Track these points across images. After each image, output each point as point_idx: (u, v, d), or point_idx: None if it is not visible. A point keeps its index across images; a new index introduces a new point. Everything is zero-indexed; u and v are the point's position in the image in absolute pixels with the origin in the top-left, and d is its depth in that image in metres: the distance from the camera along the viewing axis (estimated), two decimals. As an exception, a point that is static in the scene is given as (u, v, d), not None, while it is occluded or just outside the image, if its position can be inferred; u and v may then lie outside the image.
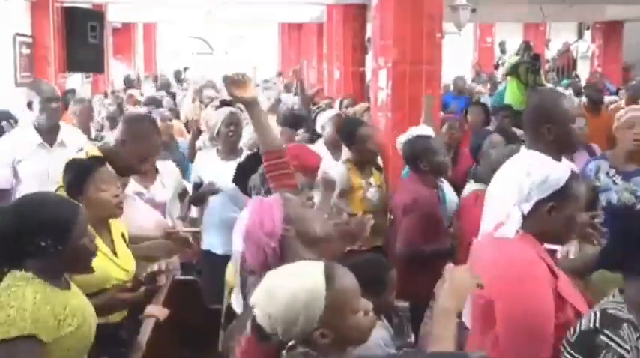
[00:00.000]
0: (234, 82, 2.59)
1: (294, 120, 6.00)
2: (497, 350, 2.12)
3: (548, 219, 2.17)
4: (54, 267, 2.11)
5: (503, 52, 15.32)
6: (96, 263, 2.61)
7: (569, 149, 2.65)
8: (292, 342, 1.67)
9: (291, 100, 7.92)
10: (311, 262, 1.80)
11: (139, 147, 3.34)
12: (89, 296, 2.56)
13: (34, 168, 4.08)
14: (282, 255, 2.12)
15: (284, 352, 1.69)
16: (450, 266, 2.01)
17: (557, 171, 2.21)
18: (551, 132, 2.71)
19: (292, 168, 2.63)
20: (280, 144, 2.65)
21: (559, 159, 2.73)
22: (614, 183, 3.69)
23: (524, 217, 2.19)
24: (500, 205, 2.34)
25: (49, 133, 4.19)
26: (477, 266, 2.29)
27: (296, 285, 1.69)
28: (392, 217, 4.28)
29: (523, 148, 2.85)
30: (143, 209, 3.63)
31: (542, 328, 2.08)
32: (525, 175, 2.20)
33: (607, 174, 3.72)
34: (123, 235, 2.96)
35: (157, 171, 3.91)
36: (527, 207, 2.18)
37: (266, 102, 8.70)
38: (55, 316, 2.01)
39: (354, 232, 2.76)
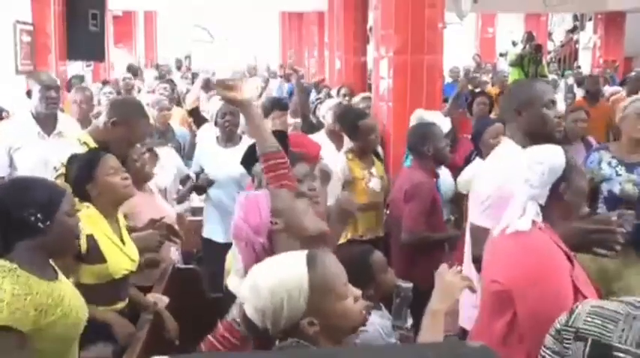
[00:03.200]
0: (226, 86, 2.58)
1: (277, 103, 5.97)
2: (513, 338, 2.15)
3: (563, 199, 2.21)
4: (41, 250, 2.12)
5: (514, 45, 15.26)
6: (108, 253, 2.66)
7: (547, 136, 2.59)
8: (280, 335, 1.67)
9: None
10: (294, 252, 1.79)
11: (128, 130, 3.33)
12: (101, 286, 2.63)
13: (32, 158, 4.07)
14: (272, 251, 2.07)
15: (277, 343, 1.69)
16: (442, 267, 2.04)
17: (555, 151, 2.26)
18: (524, 118, 2.66)
19: (290, 169, 2.60)
20: (277, 145, 2.61)
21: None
22: (617, 173, 3.66)
23: (541, 207, 2.21)
24: (502, 201, 2.33)
25: (47, 122, 4.17)
26: (493, 261, 2.30)
27: (278, 275, 1.69)
28: (388, 212, 4.28)
29: (505, 139, 2.82)
30: (159, 203, 3.66)
31: None
32: (528, 168, 2.22)
33: (609, 164, 3.69)
34: (126, 226, 2.99)
35: (156, 156, 3.95)
36: (543, 197, 2.21)
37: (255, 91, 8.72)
38: (36, 307, 2.02)
39: (345, 210, 2.79)
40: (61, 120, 4.30)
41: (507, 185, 2.37)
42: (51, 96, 4.15)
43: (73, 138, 3.53)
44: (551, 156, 2.24)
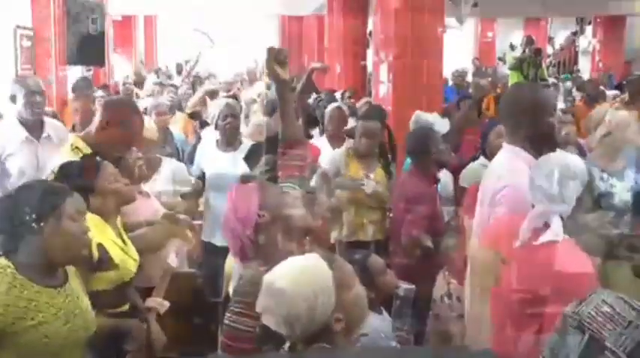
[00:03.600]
0: (277, 59, 2.50)
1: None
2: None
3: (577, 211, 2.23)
4: (40, 252, 2.12)
5: (512, 49, 15.30)
6: (118, 259, 2.64)
7: (550, 144, 2.56)
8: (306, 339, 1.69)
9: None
10: (302, 256, 1.82)
11: (122, 131, 3.18)
12: (111, 291, 2.62)
13: (23, 163, 4.02)
14: (258, 243, 2.10)
15: (286, 347, 1.71)
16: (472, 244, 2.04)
17: (582, 165, 2.26)
18: (526, 124, 2.62)
19: (307, 161, 2.57)
20: (302, 136, 2.58)
21: (539, 155, 2.67)
22: (612, 186, 3.56)
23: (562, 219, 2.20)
24: (519, 208, 2.31)
25: (34, 127, 4.10)
26: (524, 272, 2.23)
27: (304, 279, 1.70)
28: (391, 215, 4.27)
29: (505, 144, 2.76)
30: (155, 205, 3.64)
31: None
32: (557, 183, 2.20)
33: (602, 179, 3.57)
34: (123, 224, 2.97)
35: (160, 160, 3.96)
36: (570, 210, 2.21)
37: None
38: (5, 308, 2.02)
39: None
40: (49, 124, 4.22)
41: (512, 187, 2.36)
42: (36, 101, 4.07)
43: (64, 142, 3.48)
44: (582, 172, 2.24)
